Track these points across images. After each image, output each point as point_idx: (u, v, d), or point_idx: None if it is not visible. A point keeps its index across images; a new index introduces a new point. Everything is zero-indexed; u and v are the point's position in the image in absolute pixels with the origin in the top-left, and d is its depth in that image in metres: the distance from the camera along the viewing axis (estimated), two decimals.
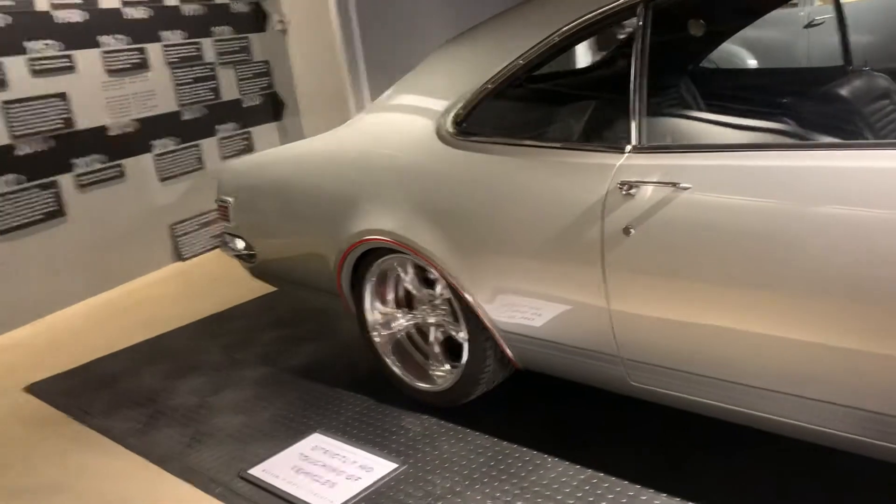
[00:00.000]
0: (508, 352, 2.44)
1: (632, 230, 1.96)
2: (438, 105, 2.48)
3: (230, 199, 3.24)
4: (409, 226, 2.48)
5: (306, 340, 3.57)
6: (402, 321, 2.84)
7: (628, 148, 2.02)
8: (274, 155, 3.17)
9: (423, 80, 2.68)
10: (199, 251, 5.32)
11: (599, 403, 2.58)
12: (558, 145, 2.20)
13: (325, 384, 3.07)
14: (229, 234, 3.33)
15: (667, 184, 1.90)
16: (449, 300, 2.61)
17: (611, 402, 2.49)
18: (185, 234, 5.24)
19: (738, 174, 1.82)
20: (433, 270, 2.52)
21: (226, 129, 5.57)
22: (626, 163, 2.00)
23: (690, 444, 2.34)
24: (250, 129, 5.79)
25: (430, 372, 2.79)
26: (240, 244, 3.27)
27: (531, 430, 2.53)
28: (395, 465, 2.45)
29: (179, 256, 5.21)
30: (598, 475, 2.25)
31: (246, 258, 3.28)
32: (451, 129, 2.41)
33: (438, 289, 2.65)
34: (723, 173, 1.84)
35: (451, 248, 2.40)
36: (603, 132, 2.14)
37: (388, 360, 2.84)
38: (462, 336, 2.61)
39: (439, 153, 2.43)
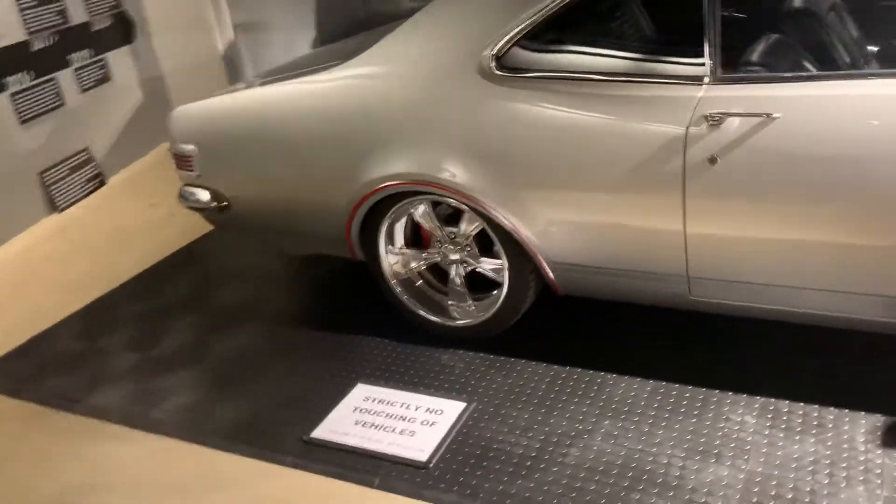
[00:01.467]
0: (554, 280, 2.52)
1: (718, 159, 2.08)
2: (477, 42, 2.40)
3: (192, 148, 2.95)
4: (446, 166, 2.44)
5: (289, 290, 3.42)
6: (418, 262, 2.81)
7: (707, 79, 2.11)
8: (248, 98, 2.91)
9: (446, 18, 2.56)
10: (75, 199, 4.77)
11: (612, 317, 2.75)
12: (625, 78, 2.23)
13: (339, 333, 2.98)
14: (190, 185, 3.05)
15: (757, 114, 2.02)
16: (474, 236, 2.63)
17: (623, 315, 2.69)
18: (57, 181, 4.66)
19: (828, 103, 1.99)
20: (468, 208, 2.50)
21: (80, 57, 4.93)
22: (707, 94, 2.10)
23: (726, 341, 2.59)
24: (105, 55, 5.17)
25: (450, 309, 2.81)
26: (204, 196, 3.02)
27: (574, 351, 2.66)
28: (463, 404, 2.49)
29: (55, 207, 4.65)
30: (662, 384, 2.44)
31: (214, 211, 3.03)
32: (497, 67, 2.36)
33: (463, 226, 2.65)
34: (812, 102, 2.00)
35: (498, 185, 2.40)
36: (676, 63, 2.20)
37: (412, 304, 2.82)
38: (490, 269, 2.65)
39: (485, 92, 2.38)
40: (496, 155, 2.40)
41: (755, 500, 1.98)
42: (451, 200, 2.53)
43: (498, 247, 2.56)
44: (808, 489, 1.99)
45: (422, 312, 2.81)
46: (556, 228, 2.40)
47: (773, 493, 1.99)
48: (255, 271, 3.60)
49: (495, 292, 2.70)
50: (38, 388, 2.90)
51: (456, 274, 2.77)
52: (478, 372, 2.64)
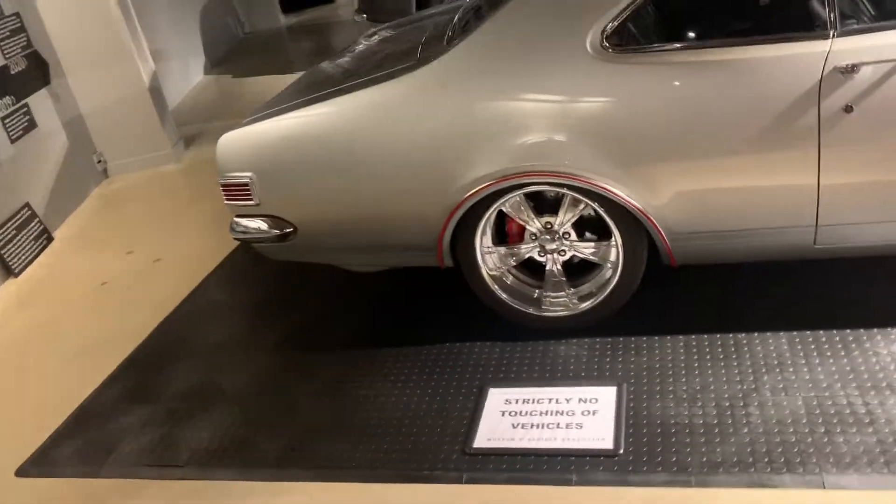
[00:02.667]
0: (672, 252, 2.55)
1: (853, 107, 2.19)
2: (583, 22, 2.38)
3: (249, 176, 2.74)
4: (561, 153, 2.41)
5: (359, 311, 3.23)
6: (515, 258, 2.75)
7: (832, 32, 2.21)
8: (312, 116, 2.71)
9: (541, 4, 2.51)
10: (28, 259, 4.29)
11: (698, 280, 2.84)
12: (745, 42, 2.29)
13: (438, 345, 2.85)
14: (246, 215, 2.84)
15: (889, 60, 2.14)
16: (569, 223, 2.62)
17: (713, 275, 2.79)
18: (6, 243, 4.17)
19: None
20: (573, 193, 2.49)
21: (3, 105, 4.44)
22: (836, 48, 2.20)
23: (835, 286, 2.72)
24: (26, 99, 4.68)
25: (544, 300, 2.78)
26: (264, 225, 2.81)
27: (684, 317, 2.71)
28: (614, 388, 2.47)
29: (10, 272, 4.15)
30: (795, 334, 2.53)
31: (274, 239, 2.83)
32: (609, 44, 2.35)
33: (561, 214, 2.62)
34: None
35: (619, 164, 2.40)
36: (799, 19, 2.28)
37: (516, 303, 2.77)
38: (590, 253, 2.65)
39: (599, 71, 2.37)
40: (617, 133, 2.39)
41: None
42: (559, 188, 2.50)
43: (612, 226, 2.55)
44: None
45: (531, 310, 2.76)
46: (682, 199, 2.42)
47: None
48: (306, 299, 3.38)
49: (595, 277, 2.70)
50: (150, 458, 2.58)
51: (553, 264, 2.74)
52: (606, 355, 2.62)
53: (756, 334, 2.56)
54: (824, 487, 1.98)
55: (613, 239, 2.58)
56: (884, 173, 2.27)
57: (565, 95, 2.43)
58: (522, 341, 2.77)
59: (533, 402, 2.48)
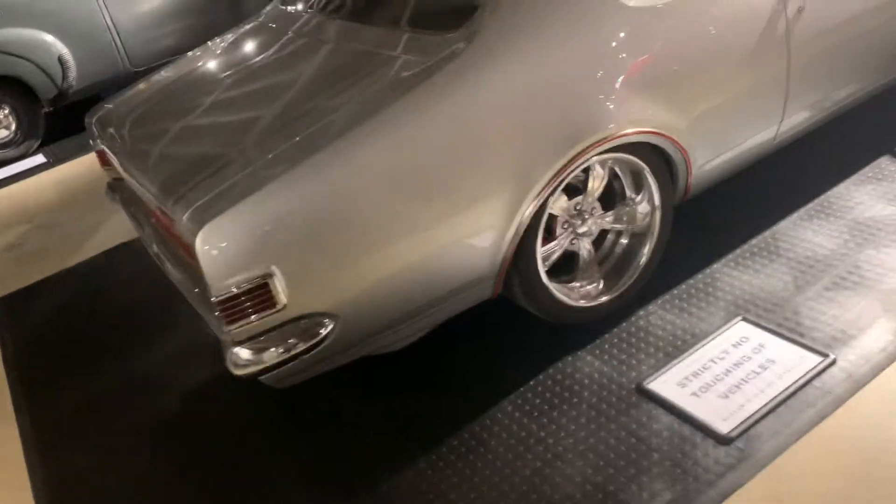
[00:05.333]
0: (692, 188, 2.60)
1: (805, 7, 2.54)
2: None
3: (268, 270, 1.91)
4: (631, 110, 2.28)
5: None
6: (554, 252, 2.47)
7: None
8: (320, 167, 1.97)
9: None
10: None
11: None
12: None
13: (536, 366, 2.40)
14: (259, 334, 1.96)
15: None
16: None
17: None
18: None
19: None
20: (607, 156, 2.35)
21: None
22: None
23: None
24: None
25: (578, 289, 2.57)
26: (293, 337, 2.00)
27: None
28: (740, 318, 2.43)
29: None
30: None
31: (309, 349, 2.03)
32: None
33: (590, 185, 2.45)
34: None
35: (669, 108, 2.37)
36: None
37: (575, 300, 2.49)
38: (613, 224, 2.56)
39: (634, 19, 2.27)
40: (666, 74, 2.34)
41: None
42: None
43: (649, 176, 2.45)
44: None
45: (583, 303, 2.50)
46: (702, 124, 2.46)
47: None
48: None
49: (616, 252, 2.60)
50: None
51: (585, 249, 2.53)
52: (693, 305, 2.54)
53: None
54: None
55: (644, 194, 2.50)
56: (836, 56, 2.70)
57: (619, 49, 2.27)
58: (610, 333, 2.50)
59: (703, 369, 2.28)
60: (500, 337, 2.61)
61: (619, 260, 2.60)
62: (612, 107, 2.26)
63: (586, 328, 2.53)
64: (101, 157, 3.05)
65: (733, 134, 2.59)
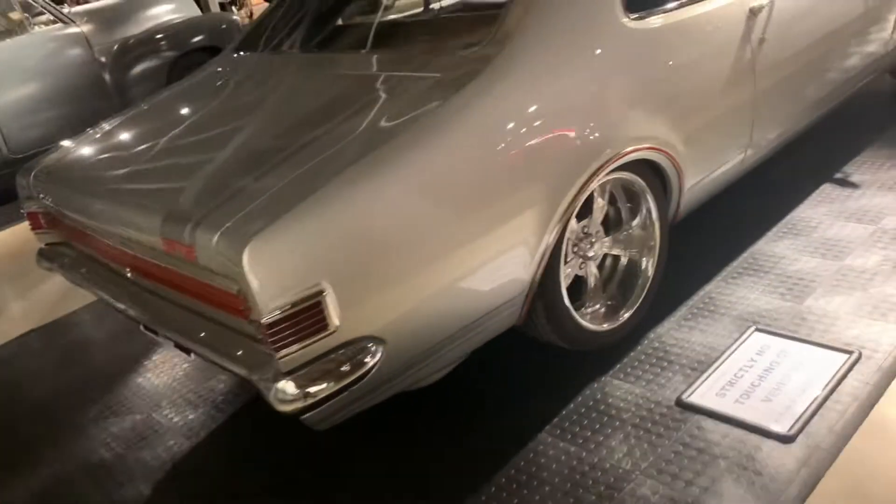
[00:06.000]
0: (681, 211, 2.65)
1: (765, 38, 2.72)
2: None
3: (321, 287, 1.72)
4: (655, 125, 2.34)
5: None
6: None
7: None
8: (373, 174, 1.83)
9: None
10: None
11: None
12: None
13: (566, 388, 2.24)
14: (306, 364, 1.75)
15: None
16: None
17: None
18: None
19: None
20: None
21: None
22: None
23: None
24: None
25: (583, 311, 2.52)
26: (346, 364, 1.79)
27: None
28: (752, 326, 2.45)
29: None
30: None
31: (358, 380, 1.82)
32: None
33: (595, 209, 2.45)
34: None
35: (671, 125, 2.42)
36: None
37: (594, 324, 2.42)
38: (621, 241, 2.57)
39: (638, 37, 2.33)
40: (669, 92, 2.41)
41: None
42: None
43: (648, 196, 2.47)
44: None
45: (606, 326, 2.45)
46: (693, 145, 2.53)
47: None
48: None
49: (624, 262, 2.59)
50: None
51: (590, 273, 2.50)
52: (701, 325, 2.53)
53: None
54: None
55: (640, 216, 2.52)
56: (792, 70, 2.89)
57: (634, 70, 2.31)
58: (629, 357, 2.43)
59: (736, 378, 2.25)
60: (513, 373, 2.48)
61: (622, 281, 2.57)
62: (623, 123, 2.28)
63: (602, 355, 2.45)
64: (36, 219, 2.73)
65: (716, 155, 2.68)
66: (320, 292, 1.70)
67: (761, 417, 2.08)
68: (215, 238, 1.73)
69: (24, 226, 4.39)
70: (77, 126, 5.71)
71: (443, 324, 1.99)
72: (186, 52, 6.21)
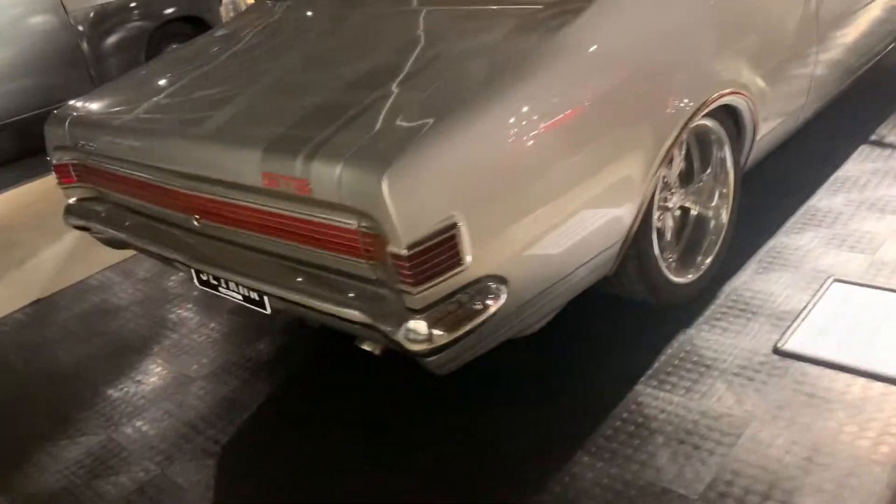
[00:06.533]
0: (750, 160, 2.61)
1: None
2: None
3: (455, 219, 1.60)
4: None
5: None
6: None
7: None
8: (510, 99, 1.71)
9: None
10: None
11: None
12: None
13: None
14: (439, 301, 1.63)
15: None
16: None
17: None
18: None
19: None
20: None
21: None
22: None
23: None
24: None
25: (664, 262, 2.45)
26: (479, 302, 1.67)
27: None
28: (830, 277, 2.41)
29: None
30: None
31: (488, 319, 1.70)
32: None
33: (676, 160, 2.38)
34: None
35: (753, 68, 2.37)
36: None
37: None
38: (697, 193, 2.51)
39: None
40: (745, 38, 2.35)
41: None
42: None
43: (725, 141, 2.42)
44: None
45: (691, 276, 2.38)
46: (771, 93, 2.48)
47: None
48: None
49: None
50: None
51: (666, 225, 2.42)
52: (768, 285, 2.48)
53: None
54: None
55: (711, 168, 2.46)
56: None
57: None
58: (709, 310, 2.37)
59: (827, 328, 2.20)
60: (594, 332, 2.40)
61: (694, 232, 2.51)
62: (715, 67, 2.21)
63: (683, 310, 2.39)
64: (65, 171, 2.52)
65: (784, 102, 2.64)
66: (454, 224, 1.58)
67: (868, 362, 2.04)
68: (338, 168, 1.59)
69: (10, 195, 4.12)
70: (50, 96, 5.40)
71: (554, 265, 1.89)
72: (166, 22, 5.93)
